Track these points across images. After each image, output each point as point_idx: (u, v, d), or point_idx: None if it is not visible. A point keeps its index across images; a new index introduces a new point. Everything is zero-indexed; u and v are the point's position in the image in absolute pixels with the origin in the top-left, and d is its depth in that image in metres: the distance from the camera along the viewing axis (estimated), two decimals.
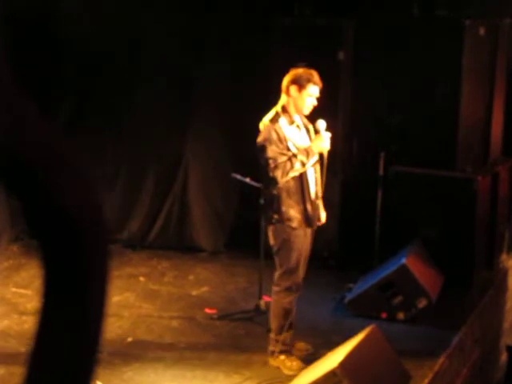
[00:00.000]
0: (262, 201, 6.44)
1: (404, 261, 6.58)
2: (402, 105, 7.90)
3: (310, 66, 5.70)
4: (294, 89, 5.46)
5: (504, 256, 8.38)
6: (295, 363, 5.57)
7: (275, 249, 5.57)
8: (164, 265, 7.99)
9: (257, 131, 5.50)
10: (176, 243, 8.41)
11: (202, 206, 8.47)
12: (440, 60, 7.60)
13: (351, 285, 7.16)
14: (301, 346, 5.85)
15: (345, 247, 7.83)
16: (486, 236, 7.79)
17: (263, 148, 5.39)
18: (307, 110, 5.54)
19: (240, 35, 8.14)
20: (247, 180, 6.74)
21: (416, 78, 7.72)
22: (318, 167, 5.59)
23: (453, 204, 7.37)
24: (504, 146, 8.35)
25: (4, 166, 1.24)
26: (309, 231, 5.58)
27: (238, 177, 6.87)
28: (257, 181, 6.64)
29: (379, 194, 7.62)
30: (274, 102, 5.62)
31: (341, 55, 7.81)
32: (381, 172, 7.60)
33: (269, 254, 6.72)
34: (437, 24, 7.74)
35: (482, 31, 7.67)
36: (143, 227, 8.52)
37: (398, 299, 6.55)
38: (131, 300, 6.95)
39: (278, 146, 5.36)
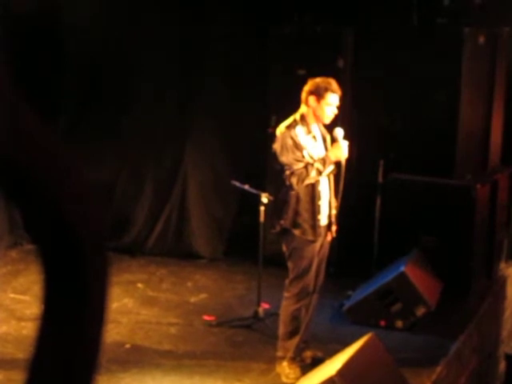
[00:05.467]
0: (261, 207, 6.44)
1: (403, 268, 6.57)
2: (402, 112, 7.90)
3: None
4: (312, 99, 5.40)
5: (503, 264, 8.38)
6: (293, 371, 5.55)
7: (286, 255, 5.57)
8: (162, 271, 7.98)
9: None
10: (174, 250, 8.40)
11: (201, 213, 8.46)
12: (440, 68, 7.61)
13: (350, 292, 7.16)
14: (309, 354, 5.83)
15: (344, 254, 7.82)
16: (485, 244, 7.78)
17: (279, 154, 5.37)
18: (328, 119, 5.47)
19: (240, 43, 8.15)
20: (246, 187, 6.74)
21: (415, 85, 7.72)
22: (331, 177, 5.55)
23: (452, 212, 7.36)
24: (503, 153, 8.35)
25: (2, 173, 1.24)
26: (322, 239, 5.55)
27: (237, 184, 6.86)
28: (255, 188, 6.65)
29: (378, 201, 7.62)
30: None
31: (340, 63, 7.81)
32: (380, 179, 7.60)
33: (267, 261, 6.74)
34: (436, 32, 7.75)
35: (481, 39, 7.68)
36: (142, 234, 8.52)
37: (397, 307, 6.54)
38: (129, 306, 6.94)
39: (293, 153, 5.32)
